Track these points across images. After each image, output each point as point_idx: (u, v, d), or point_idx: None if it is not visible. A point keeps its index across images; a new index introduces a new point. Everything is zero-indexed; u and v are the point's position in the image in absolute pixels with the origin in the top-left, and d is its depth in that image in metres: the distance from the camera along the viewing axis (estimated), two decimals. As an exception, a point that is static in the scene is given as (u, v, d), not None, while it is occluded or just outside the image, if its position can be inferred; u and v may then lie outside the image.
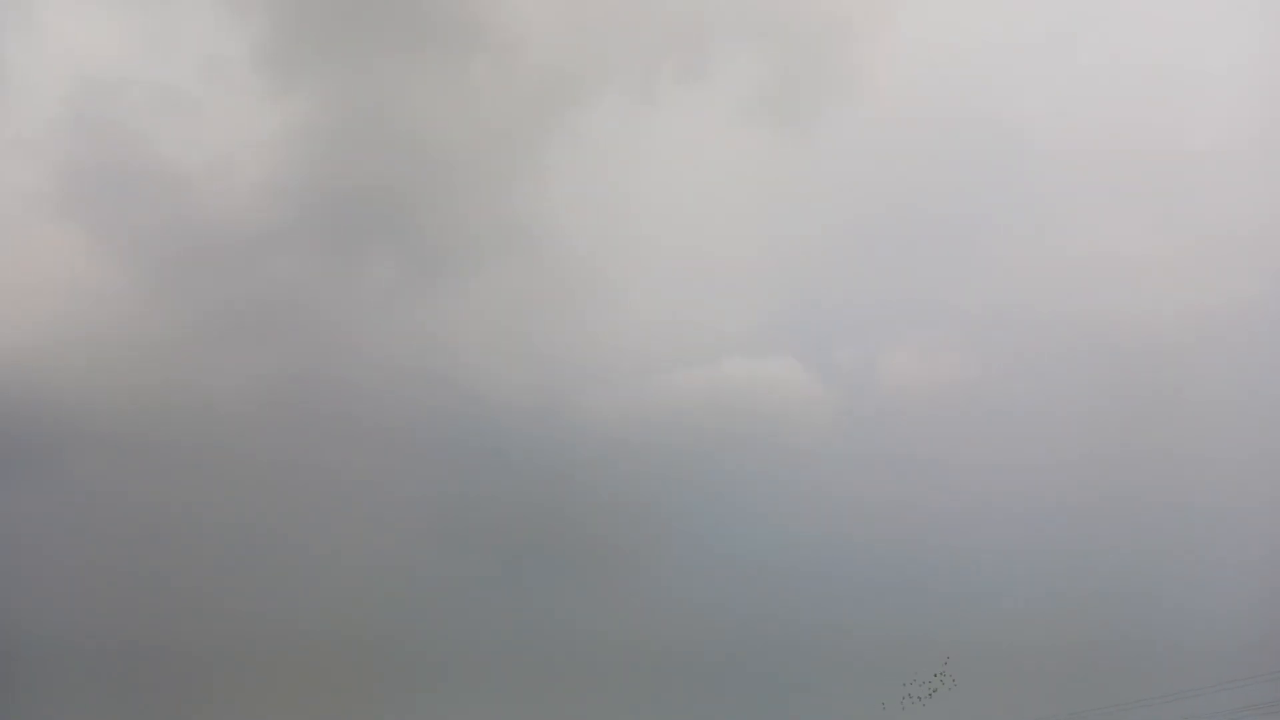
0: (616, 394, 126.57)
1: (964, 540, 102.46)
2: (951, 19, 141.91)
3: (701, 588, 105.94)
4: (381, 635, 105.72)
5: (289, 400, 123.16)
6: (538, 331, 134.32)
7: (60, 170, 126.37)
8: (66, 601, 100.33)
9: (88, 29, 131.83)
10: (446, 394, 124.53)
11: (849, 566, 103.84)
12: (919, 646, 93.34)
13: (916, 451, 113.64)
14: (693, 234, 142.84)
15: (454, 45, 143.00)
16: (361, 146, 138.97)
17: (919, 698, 67.50)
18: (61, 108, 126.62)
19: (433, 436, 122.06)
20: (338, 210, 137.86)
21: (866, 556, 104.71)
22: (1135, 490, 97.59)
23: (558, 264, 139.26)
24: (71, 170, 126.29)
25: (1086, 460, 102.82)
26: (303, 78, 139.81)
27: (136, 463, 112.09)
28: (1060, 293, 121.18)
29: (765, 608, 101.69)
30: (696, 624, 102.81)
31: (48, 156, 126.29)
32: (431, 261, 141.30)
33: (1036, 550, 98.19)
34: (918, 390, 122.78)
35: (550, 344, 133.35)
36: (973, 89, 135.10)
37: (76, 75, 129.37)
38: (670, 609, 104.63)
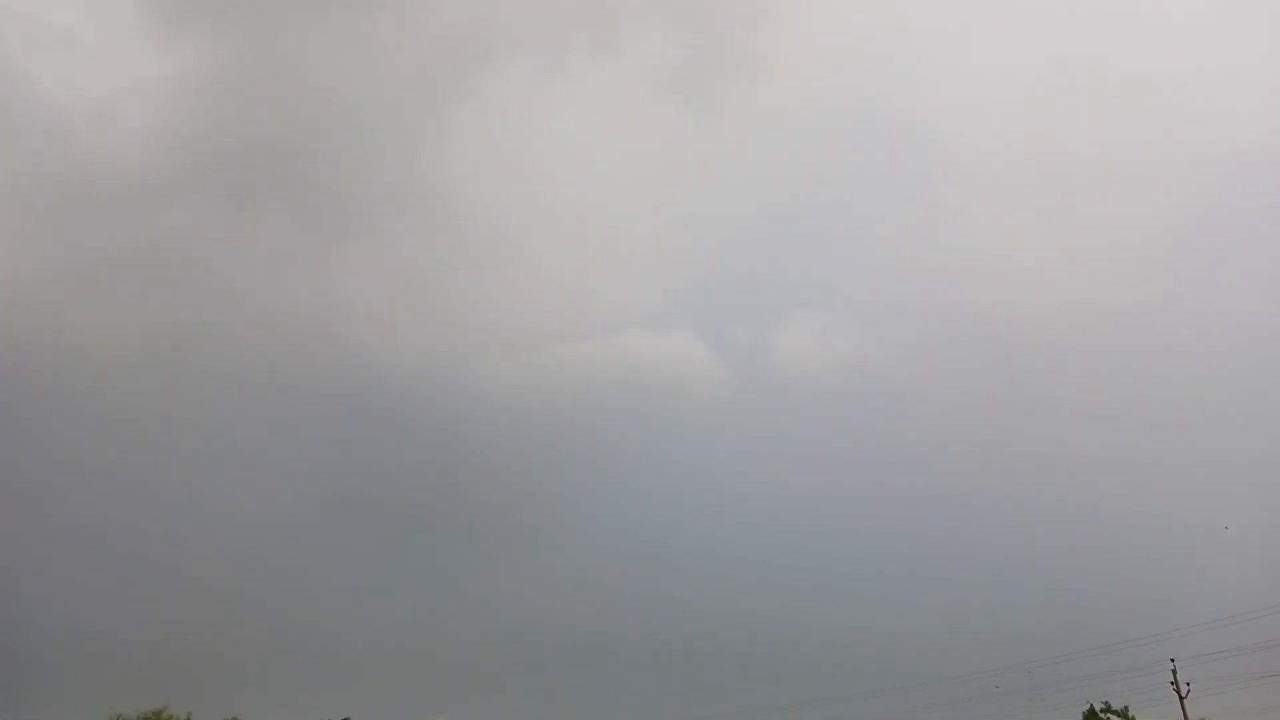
0: (516, 361, 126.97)
1: (850, 516, 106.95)
2: (859, 14, 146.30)
3: (594, 557, 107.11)
4: (262, 598, 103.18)
5: (174, 353, 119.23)
6: (438, 295, 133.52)
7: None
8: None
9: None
10: (341, 355, 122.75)
11: (740, 540, 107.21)
12: (804, 622, 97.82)
13: (810, 430, 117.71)
14: (597, 206, 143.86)
15: (359, 2, 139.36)
16: (259, 98, 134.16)
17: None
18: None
19: (324, 397, 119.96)
20: (231, 162, 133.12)
21: (758, 531, 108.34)
22: (1014, 478, 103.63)
23: (460, 228, 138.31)
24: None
25: (969, 445, 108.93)
26: (197, 22, 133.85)
27: (5, 412, 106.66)
28: (948, 285, 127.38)
29: (655, 579, 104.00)
30: (588, 594, 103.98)
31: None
32: (329, 219, 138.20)
33: (924, 530, 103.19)
34: (812, 370, 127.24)
35: (450, 306, 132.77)
36: (877, 84, 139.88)
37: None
38: (563, 576, 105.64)
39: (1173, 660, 53.11)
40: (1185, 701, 50.98)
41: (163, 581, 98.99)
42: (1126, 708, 56.61)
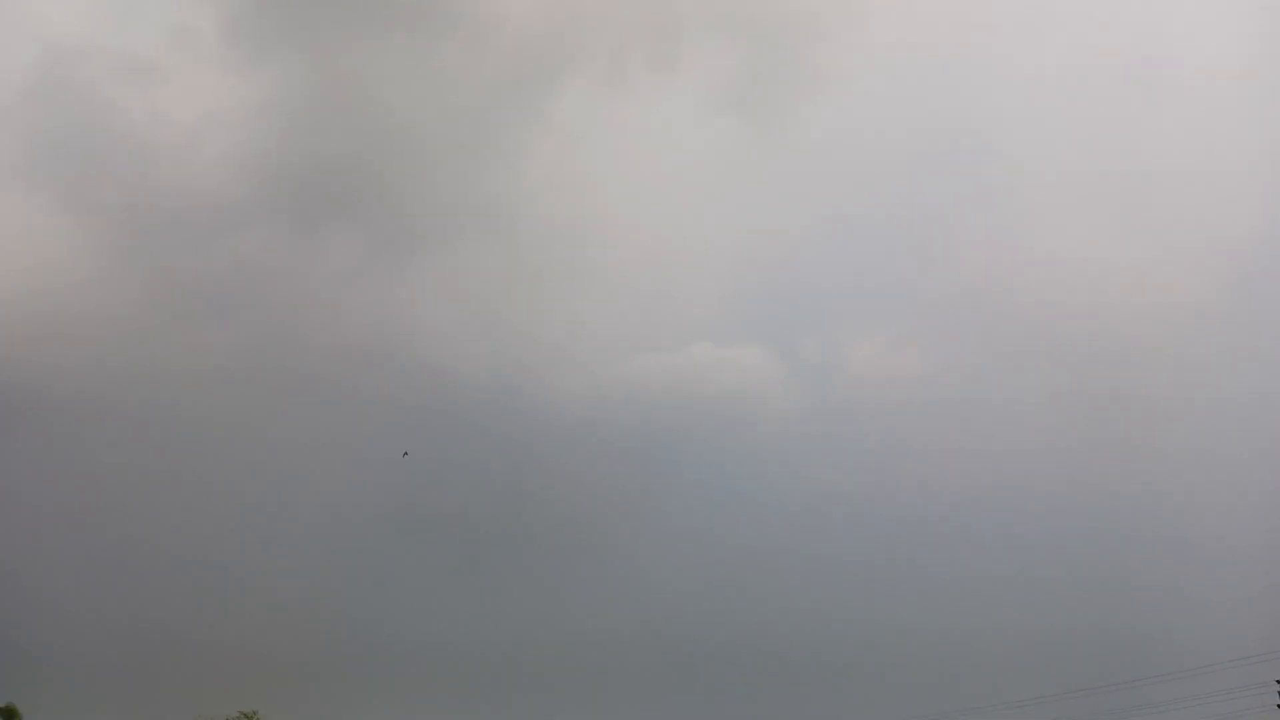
0: (585, 375, 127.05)
1: (926, 523, 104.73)
2: (923, 19, 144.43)
3: (670, 566, 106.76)
4: (341, 610, 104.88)
5: (252, 370, 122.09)
6: (506, 311, 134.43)
7: (26, 137, 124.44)
8: (27, 566, 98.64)
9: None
10: (411, 369, 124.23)
11: (814, 547, 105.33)
12: (881, 628, 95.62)
13: (881, 438, 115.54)
14: (663, 220, 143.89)
15: (427, 26, 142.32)
16: (331, 122, 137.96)
17: None
18: (27, 72, 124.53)
19: (398, 411, 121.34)
20: (305, 185, 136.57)
21: (831, 538, 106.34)
22: (1095, 480, 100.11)
23: (528, 245, 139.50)
24: (37, 137, 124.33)
25: (1047, 451, 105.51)
26: (272, 51, 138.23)
27: (97, 429, 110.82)
28: (1025, 290, 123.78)
29: (733, 586, 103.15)
30: (665, 602, 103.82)
31: (13, 123, 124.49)
32: (399, 238, 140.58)
33: (999, 536, 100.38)
34: (883, 380, 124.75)
35: (519, 322, 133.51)
36: (943, 88, 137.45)
37: (42, 41, 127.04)
38: (638, 587, 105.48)
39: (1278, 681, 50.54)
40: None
41: (234, 588, 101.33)
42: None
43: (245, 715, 72.25)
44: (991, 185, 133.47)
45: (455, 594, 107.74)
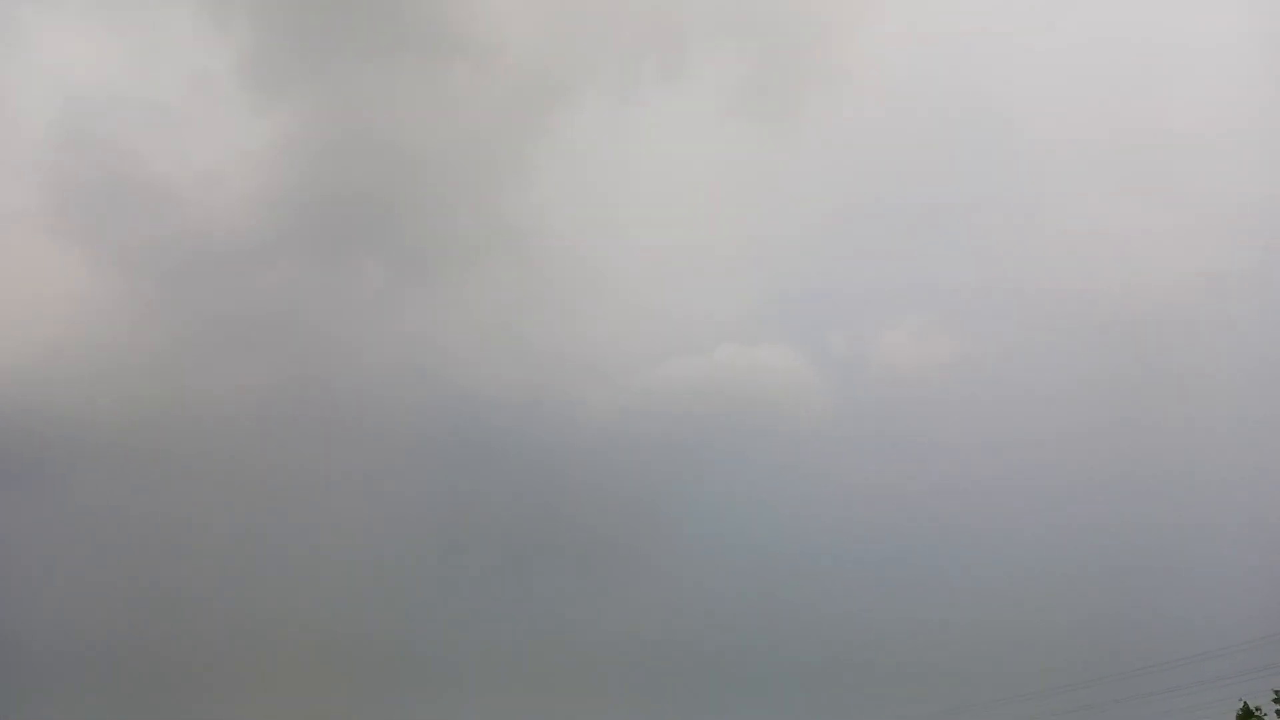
0: (610, 386, 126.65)
1: (964, 519, 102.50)
2: (933, 7, 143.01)
3: (702, 577, 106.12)
4: (385, 637, 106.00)
5: (284, 407, 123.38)
6: (528, 328, 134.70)
7: (53, 188, 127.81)
8: (65, 608, 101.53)
9: (75, 48, 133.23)
10: (441, 394, 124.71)
11: (849, 550, 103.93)
12: (922, 630, 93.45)
13: (913, 433, 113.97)
14: (680, 227, 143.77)
15: (434, 53, 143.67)
16: (347, 156, 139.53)
17: None
18: (52, 126, 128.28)
19: (429, 437, 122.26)
20: (326, 219, 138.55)
21: (866, 539, 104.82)
22: (1134, 462, 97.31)
23: (546, 261, 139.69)
24: (64, 187, 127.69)
25: (1085, 433, 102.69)
26: (286, 90, 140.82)
27: (134, 471, 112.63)
28: (1052, 271, 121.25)
29: (766, 594, 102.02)
30: (699, 613, 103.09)
31: (40, 174, 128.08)
32: (419, 265, 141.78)
33: (1036, 527, 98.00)
34: (912, 372, 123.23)
35: (541, 340, 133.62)
36: (956, 75, 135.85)
37: (66, 94, 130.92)
38: (672, 599, 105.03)
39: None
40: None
41: (274, 624, 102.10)
42: None
43: None
44: (1013, 166, 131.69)
45: (490, 612, 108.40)
